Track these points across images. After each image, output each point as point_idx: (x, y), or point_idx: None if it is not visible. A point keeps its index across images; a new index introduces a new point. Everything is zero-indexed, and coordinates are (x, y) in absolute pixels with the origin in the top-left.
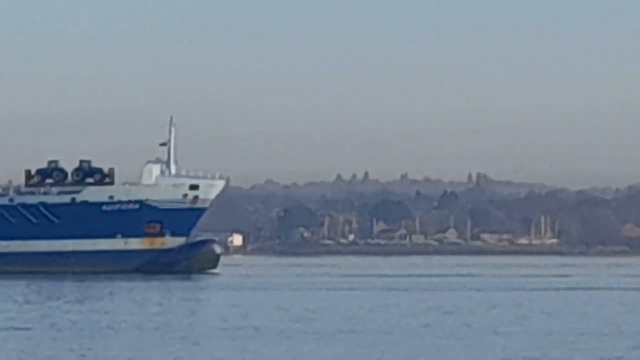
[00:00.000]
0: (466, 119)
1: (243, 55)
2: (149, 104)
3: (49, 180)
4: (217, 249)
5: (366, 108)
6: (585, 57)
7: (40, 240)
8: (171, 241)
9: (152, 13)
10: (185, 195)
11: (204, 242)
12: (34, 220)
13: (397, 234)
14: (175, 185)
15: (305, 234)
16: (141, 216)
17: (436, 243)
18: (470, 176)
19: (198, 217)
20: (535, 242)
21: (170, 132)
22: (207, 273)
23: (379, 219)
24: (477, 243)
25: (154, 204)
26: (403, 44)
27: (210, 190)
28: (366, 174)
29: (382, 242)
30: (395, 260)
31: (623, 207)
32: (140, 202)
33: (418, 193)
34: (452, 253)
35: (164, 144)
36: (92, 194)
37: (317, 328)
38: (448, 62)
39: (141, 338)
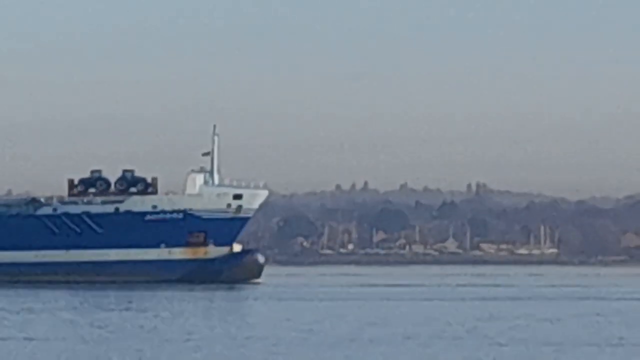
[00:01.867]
0: (466, 129)
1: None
2: (191, 113)
3: (92, 190)
4: (261, 258)
5: (365, 117)
6: (586, 66)
7: (83, 249)
8: (215, 251)
9: (193, 20)
10: (229, 205)
11: (247, 252)
12: (78, 230)
13: (397, 243)
14: (219, 195)
15: (305, 244)
16: (185, 226)
17: (435, 253)
18: (469, 186)
19: (241, 227)
20: (534, 251)
21: (213, 141)
22: (250, 283)
23: (378, 228)
24: (477, 253)
25: (198, 214)
26: (403, 52)
27: (254, 199)
28: (365, 183)
29: (382, 251)
30: (401, 270)
31: (623, 217)
32: (183, 211)
33: (417, 203)
34: (452, 263)
35: (207, 154)
36: (135, 203)
37: (383, 336)
38: (448, 71)
39: (185, 347)
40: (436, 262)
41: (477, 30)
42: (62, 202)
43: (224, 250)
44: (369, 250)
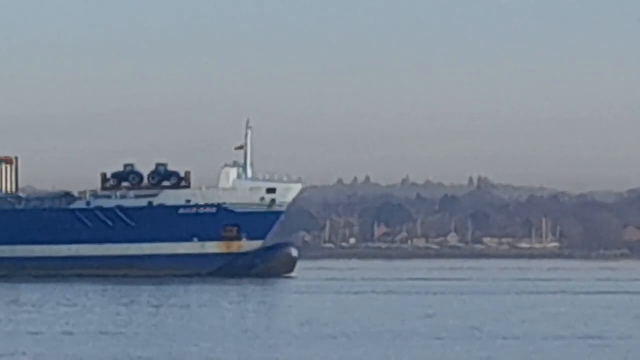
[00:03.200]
0: (467, 123)
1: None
2: (224, 107)
3: (125, 184)
4: (294, 252)
5: (367, 111)
6: (587, 60)
7: (116, 244)
8: (248, 245)
9: (225, 13)
10: (263, 199)
11: (281, 246)
12: (111, 224)
13: (398, 237)
14: (252, 189)
15: (307, 238)
16: (218, 220)
17: (437, 247)
18: (471, 180)
19: (275, 221)
20: (536, 245)
21: (246, 135)
22: (284, 277)
23: (380, 222)
24: (479, 247)
25: (231, 208)
26: (404, 47)
27: (287, 193)
28: (367, 177)
29: (383, 245)
30: (408, 264)
31: (624, 211)
32: (217, 205)
33: (419, 196)
34: (453, 257)
35: (240, 148)
36: (169, 197)
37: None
38: (449, 65)
39: (220, 341)
40: (438, 256)
41: (478, 26)
42: (95, 196)
43: (257, 244)
44: (370, 244)
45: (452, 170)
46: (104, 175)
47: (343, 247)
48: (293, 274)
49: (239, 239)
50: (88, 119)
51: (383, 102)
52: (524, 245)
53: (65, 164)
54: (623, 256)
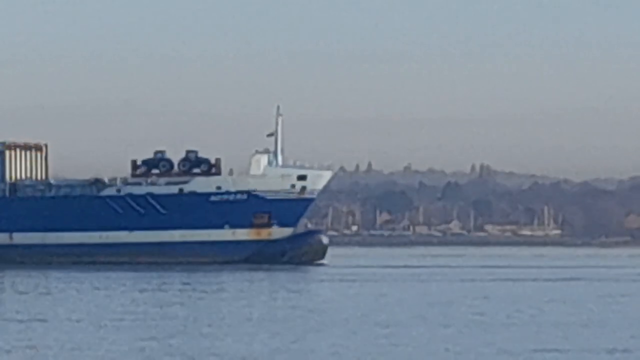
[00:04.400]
0: (469, 110)
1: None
2: (254, 93)
3: (155, 171)
4: (325, 239)
5: (369, 98)
6: (589, 47)
7: (147, 231)
8: (279, 232)
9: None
10: (293, 186)
11: (311, 233)
12: (141, 211)
13: (401, 225)
14: (283, 176)
15: (309, 225)
16: (249, 207)
17: (439, 234)
18: (473, 167)
19: (306, 208)
20: (538, 233)
21: (277, 122)
22: (314, 264)
23: (382, 210)
24: (481, 234)
25: (262, 195)
26: (406, 34)
27: (318, 180)
28: (369, 164)
29: (386, 233)
30: (412, 251)
31: (626, 198)
32: (248, 192)
33: (421, 184)
34: (456, 244)
35: (271, 135)
36: (200, 184)
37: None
38: (452, 52)
39: (250, 329)
40: (440, 243)
41: (481, 14)
42: (126, 183)
43: (288, 231)
44: (372, 232)
45: (455, 157)
46: (134, 162)
47: (345, 235)
48: (324, 261)
49: (269, 226)
50: (119, 107)
51: (385, 90)
52: (526, 232)
53: (94, 151)
54: (625, 243)
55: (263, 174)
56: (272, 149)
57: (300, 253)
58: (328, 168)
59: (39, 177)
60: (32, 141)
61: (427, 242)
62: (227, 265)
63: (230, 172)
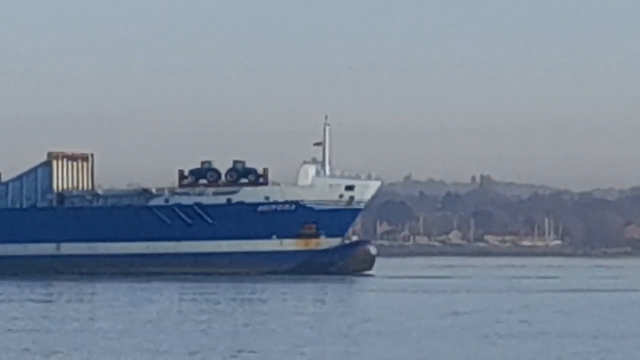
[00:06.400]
0: (470, 121)
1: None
2: (300, 103)
3: (202, 181)
4: (373, 250)
5: (369, 108)
6: (590, 58)
7: (194, 241)
8: (326, 242)
9: (300, 8)
10: (341, 196)
11: (359, 243)
12: (189, 221)
13: (401, 235)
14: (331, 186)
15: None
16: (297, 217)
17: (439, 244)
18: (473, 177)
19: (353, 218)
20: (538, 243)
21: (324, 131)
22: (362, 274)
23: (382, 219)
24: (481, 244)
25: (310, 205)
26: (407, 44)
27: (366, 190)
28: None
29: (386, 243)
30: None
31: (626, 209)
32: (296, 202)
33: (421, 194)
34: (456, 254)
35: (318, 144)
36: (248, 194)
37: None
38: (452, 63)
39: (300, 338)
40: (440, 253)
41: (481, 24)
42: (173, 193)
43: (336, 241)
44: (372, 242)
45: (455, 167)
46: (181, 172)
47: None
48: (371, 271)
49: (317, 236)
50: (167, 116)
51: (385, 100)
52: (526, 243)
53: (139, 160)
54: (625, 254)
55: (311, 184)
56: (319, 158)
57: (348, 263)
58: (376, 178)
59: (85, 187)
60: (77, 151)
61: (427, 252)
62: (275, 275)
63: (278, 183)
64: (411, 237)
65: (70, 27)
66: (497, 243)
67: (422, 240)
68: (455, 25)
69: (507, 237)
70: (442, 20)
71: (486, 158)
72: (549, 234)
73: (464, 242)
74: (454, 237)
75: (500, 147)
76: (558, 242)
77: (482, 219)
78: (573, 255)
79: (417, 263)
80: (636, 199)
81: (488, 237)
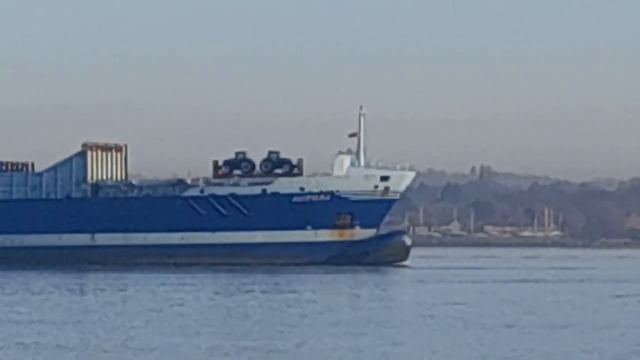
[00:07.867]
0: (469, 111)
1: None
2: (334, 93)
3: (236, 172)
4: (408, 240)
5: (369, 99)
6: (589, 48)
7: (229, 232)
8: (361, 233)
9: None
10: (376, 187)
11: (394, 234)
12: (224, 212)
13: (400, 226)
14: (366, 177)
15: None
16: (332, 207)
17: (439, 235)
18: (473, 168)
19: (388, 209)
20: (538, 234)
21: (360, 122)
22: (397, 265)
23: None
24: (481, 235)
25: (345, 195)
26: (407, 35)
27: (401, 181)
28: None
29: None
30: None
31: (626, 199)
32: (331, 193)
33: (421, 185)
34: (455, 245)
35: (353, 135)
36: (283, 185)
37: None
38: (452, 54)
39: (333, 328)
40: (440, 244)
41: (482, 14)
42: (208, 183)
43: (371, 232)
44: (408, 233)
45: (454, 158)
46: (215, 163)
47: None
48: (406, 262)
49: (352, 226)
50: (200, 108)
51: (385, 91)
52: (526, 233)
53: (173, 151)
54: (625, 244)
55: (346, 175)
56: (354, 149)
57: (383, 254)
58: (411, 169)
59: (118, 178)
60: (111, 142)
61: (426, 243)
62: (310, 266)
63: (313, 173)
64: (411, 228)
65: (104, 16)
66: (497, 234)
67: (422, 231)
68: (457, 14)
69: (507, 228)
70: (441, 11)
71: (486, 149)
72: (549, 225)
73: (464, 233)
74: (454, 228)
75: (500, 138)
76: (558, 232)
77: (482, 209)
78: (573, 245)
79: (418, 253)
80: (636, 189)
81: (488, 228)
